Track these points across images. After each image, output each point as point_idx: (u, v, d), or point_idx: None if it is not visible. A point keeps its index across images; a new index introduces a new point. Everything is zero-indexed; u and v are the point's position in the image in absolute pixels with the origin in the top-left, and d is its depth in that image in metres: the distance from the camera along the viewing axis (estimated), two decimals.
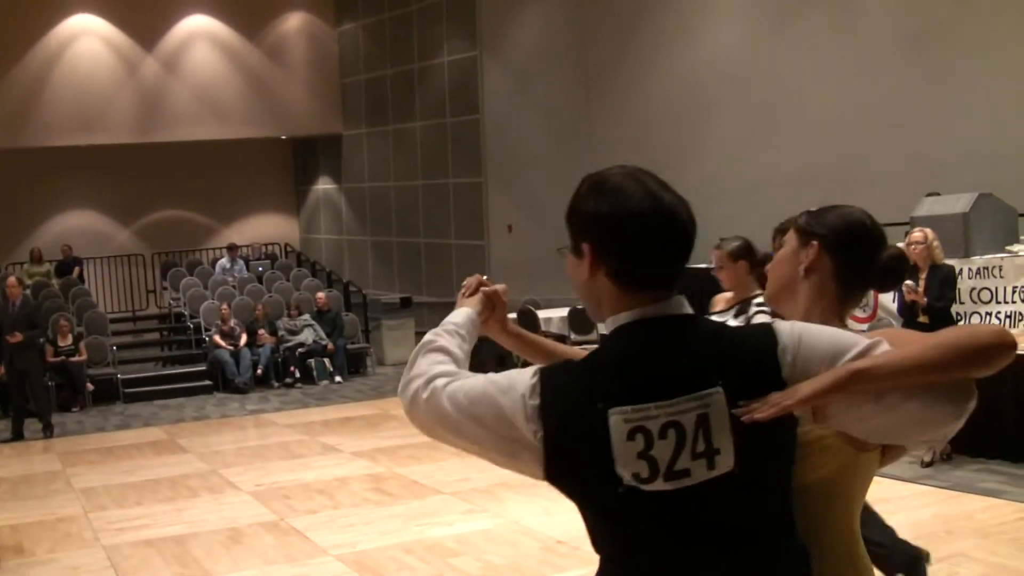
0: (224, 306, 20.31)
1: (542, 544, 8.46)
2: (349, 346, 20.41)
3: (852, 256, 2.62)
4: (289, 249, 27.26)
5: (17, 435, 15.76)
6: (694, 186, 17.00)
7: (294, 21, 26.62)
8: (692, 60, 18.41)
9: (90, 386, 18.68)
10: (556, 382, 2.29)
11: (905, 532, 6.36)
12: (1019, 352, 2.43)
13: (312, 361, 19.49)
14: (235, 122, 25.95)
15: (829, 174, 15.39)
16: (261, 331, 19.76)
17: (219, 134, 25.86)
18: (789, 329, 2.31)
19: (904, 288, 9.90)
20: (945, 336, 2.25)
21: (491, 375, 2.37)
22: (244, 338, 19.55)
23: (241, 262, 23.87)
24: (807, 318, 2.57)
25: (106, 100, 25.01)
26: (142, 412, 17.68)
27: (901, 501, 8.94)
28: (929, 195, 12.26)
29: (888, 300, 12.01)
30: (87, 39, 25.01)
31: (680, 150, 18.49)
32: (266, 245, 26.49)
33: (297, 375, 19.38)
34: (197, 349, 20.83)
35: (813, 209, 2.73)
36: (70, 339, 18.74)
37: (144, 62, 25.39)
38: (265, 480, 11.61)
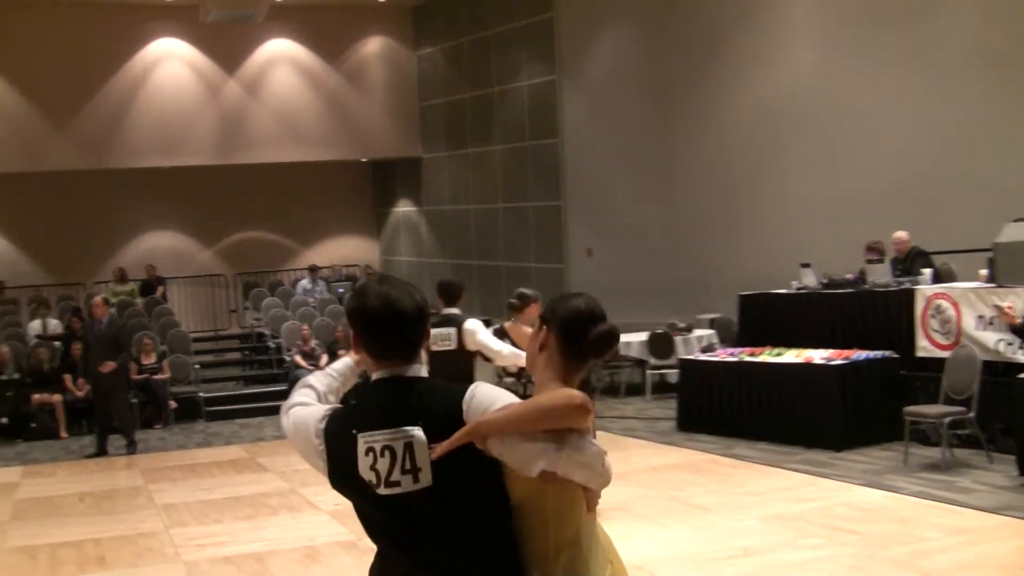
0: (305, 327, 20.49)
1: None
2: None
3: (569, 336, 3.46)
4: (370, 271, 27.45)
5: (101, 451, 16.02)
6: (772, 207, 17.02)
7: (373, 45, 26.86)
8: (769, 83, 18.33)
9: (173, 404, 18.94)
10: (335, 413, 3.34)
11: (987, 563, 6.30)
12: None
13: None
14: (315, 145, 26.22)
15: (905, 196, 15.25)
16: (341, 352, 19.74)
17: (299, 156, 26.14)
18: (471, 390, 3.21)
19: (994, 310, 9.91)
20: (538, 399, 3.22)
21: (316, 406, 3.46)
22: (325, 358, 19.69)
23: (322, 283, 24.07)
24: (541, 381, 3.45)
25: (189, 123, 25.39)
26: (223, 430, 17.87)
27: (984, 532, 8.85)
28: (1017, 220, 12.10)
29: (972, 327, 11.97)
30: (171, 63, 25.42)
31: (758, 172, 18.44)
32: (346, 266, 26.70)
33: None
34: (278, 369, 21.03)
35: (553, 298, 3.65)
36: (154, 357, 19.04)
37: (226, 85, 25.75)
38: (343, 500, 11.67)
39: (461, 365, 9.74)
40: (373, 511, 3.27)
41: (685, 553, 8.79)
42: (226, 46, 25.57)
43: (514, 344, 9.71)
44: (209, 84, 25.75)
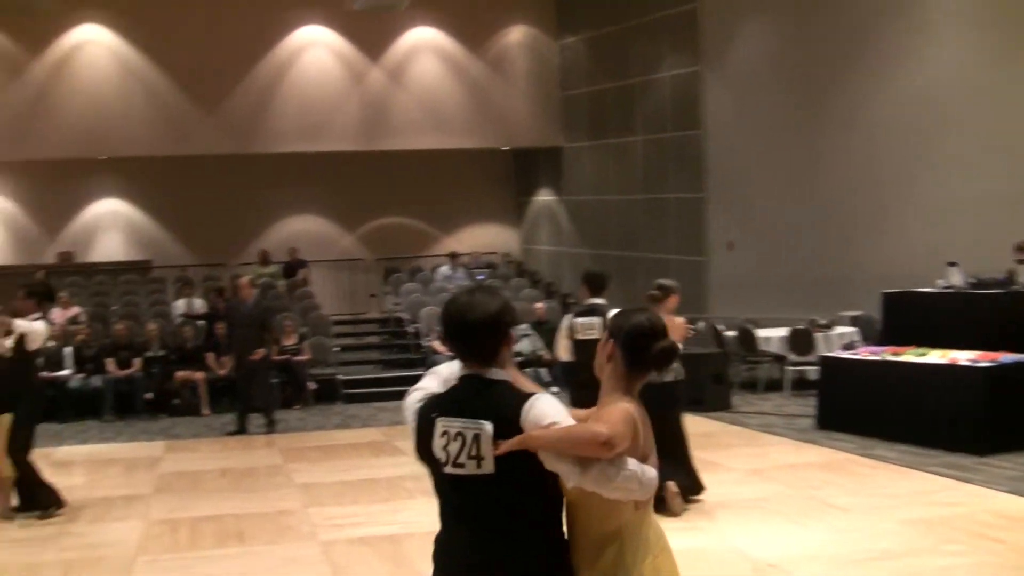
0: None
1: (753, 566, 8.37)
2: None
3: (633, 350, 4.00)
4: (509, 259, 27.54)
5: (242, 429, 16.31)
6: (918, 205, 16.68)
7: (516, 34, 26.90)
8: (916, 78, 17.97)
9: (312, 385, 19.21)
10: (430, 398, 3.94)
11: None
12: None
13: (528, 371, 19.58)
14: (457, 132, 26.36)
15: None
16: None
17: (441, 144, 26.29)
18: (532, 401, 3.68)
19: None
20: (571, 429, 3.62)
21: (423, 391, 4.04)
22: None
23: (462, 270, 24.20)
24: (607, 389, 4.03)
25: (333, 109, 25.72)
26: (361, 413, 18.07)
27: None
28: None
29: None
30: (316, 50, 25.77)
31: (904, 169, 18.12)
32: (486, 254, 26.81)
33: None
34: (416, 354, 21.20)
35: (617, 313, 4.21)
36: (294, 339, 19.34)
37: (370, 72, 26.01)
38: None
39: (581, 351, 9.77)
40: (441, 485, 3.86)
41: (821, 553, 8.67)
42: (371, 33, 25.84)
43: None
44: (353, 71, 26.04)
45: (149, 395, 18.39)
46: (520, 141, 27.40)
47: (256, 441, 15.75)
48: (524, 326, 20.30)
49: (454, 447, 3.72)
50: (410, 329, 22.10)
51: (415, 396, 4.03)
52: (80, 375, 18.50)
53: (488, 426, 3.66)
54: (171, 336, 19.89)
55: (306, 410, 18.63)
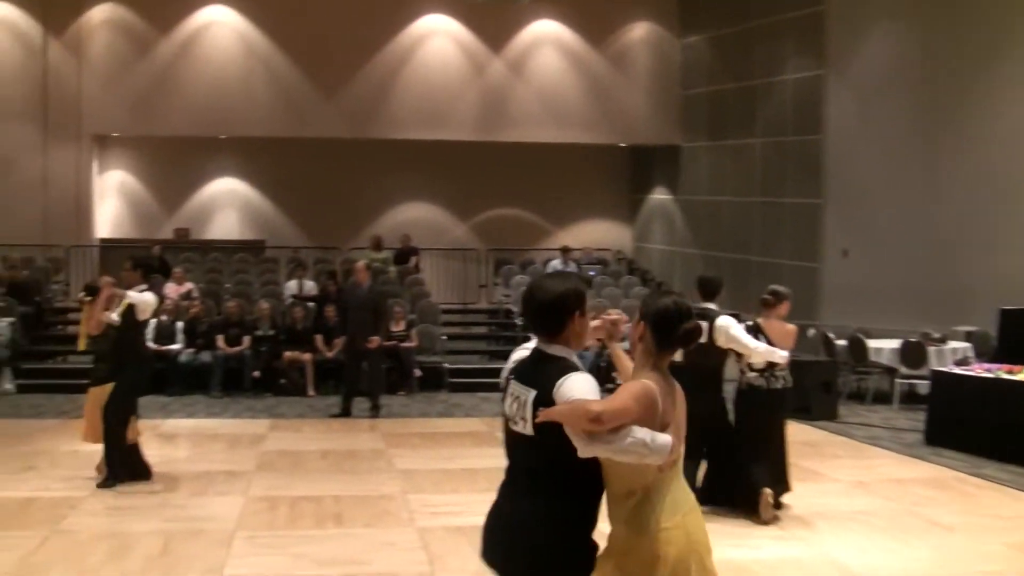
0: None
1: None
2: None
3: (660, 330, 4.51)
4: (621, 256, 27.42)
5: (346, 412, 16.42)
6: None
7: (639, 31, 26.76)
8: None
9: (418, 372, 19.27)
10: (518, 363, 4.79)
11: None
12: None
13: None
14: (575, 126, 26.30)
15: None
16: None
17: (559, 137, 26.25)
18: (564, 379, 4.30)
19: None
20: (573, 404, 4.17)
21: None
22: None
23: (573, 265, 24.10)
24: (639, 366, 4.59)
25: (452, 98, 25.82)
26: (465, 402, 18.10)
27: None
28: None
29: None
30: (439, 38, 25.87)
31: None
32: (598, 250, 26.71)
33: (619, 381, 19.35)
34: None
35: (646, 295, 4.97)
36: (403, 325, 19.40)
37: (491, 63, 26.06)
38: None
39: (710, 358, 9.70)
40: (507, 438, 4.68)
41: (921, 571, 8.50)
42: (493, 24, 25.88)
43: (768, 341, 9.86)
44: (474, 61, 26.11)
45: (256, 373, 18.57)
46: (638, 138, 27.26)
47: (359, 425, 15.84)
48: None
49: (514, 407, 4.48)
50: (518, 321, 22.05)
51: (508, 365, 5.15)
52: (190, 350, 18.76)
53: (532, 393, 4.37)
54: (281, 316, 20.08)
55: (411, 397, 18.70)
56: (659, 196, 28.07)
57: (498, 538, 4.58)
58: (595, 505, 4.45)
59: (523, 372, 4.52)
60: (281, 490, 11.12)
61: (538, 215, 28.21)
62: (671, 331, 4.49)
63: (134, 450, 11.42)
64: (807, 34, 22.06)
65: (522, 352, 4.98)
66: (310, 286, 21.56)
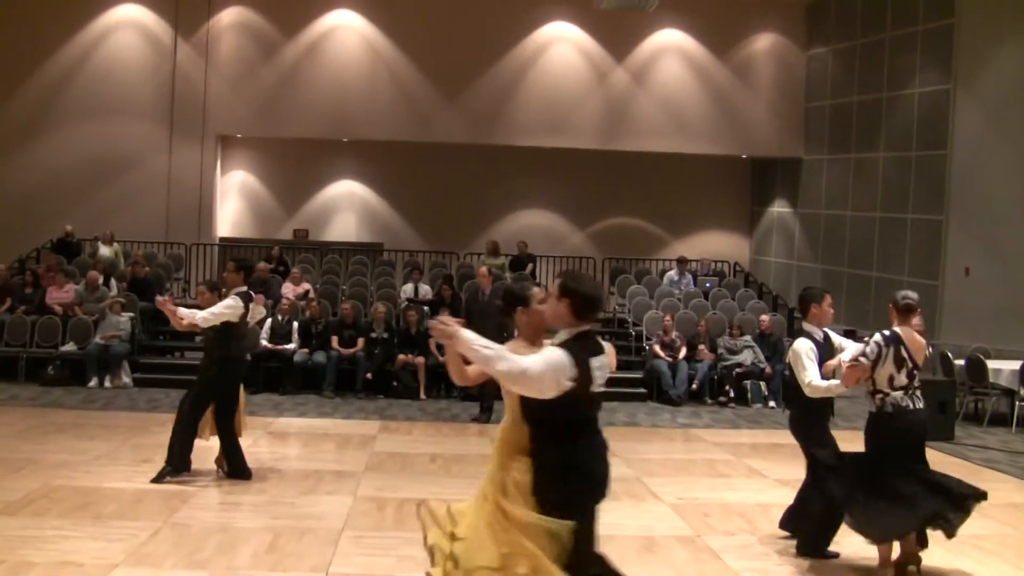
0: (667, 317, 20.42)
1: None
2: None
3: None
4: (738, 268, 27.16)
5: (487, 416, 16.49)
6: None
7: (764, 42, 26.55)
8: None
9: None
10: (571, 353, 5.74)
11: None
12: None
13: (748, 383, 19.27)
14: (696, 137, 26.16)
15: None
16: (701, 346, 19.73)
17: (679, 148, 26.13)
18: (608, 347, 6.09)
19: None
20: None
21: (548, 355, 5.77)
22: (683, 351, 19.58)
23: (689, 276, 23.91)
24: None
25: (574, 106, 25.85)
26: None
27: None
28: None
29: None
30: (562, 46, 25.93)
31: None
32: (715, 262, 26.49)
33: (731, 395, 19.21)
34: (636, 356, 21.02)
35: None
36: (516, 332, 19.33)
37: (614, 72, 26.06)
38: (687, 495, 11.58)
39: (792, 377, 9.37)
40: (596, 402, 5.97)
41: None
42: (617, 33, 25.86)
43: (909, 354, 8.72)
44: (597, 69, 26.10)
45: (369, 375, 18.66)
46: (759, 150, 27.03)
47: (469, 429, 15.84)
48: (746, 337, 19.97)
49: (599, 374, 5.84)
50: (632, 331, 21.94)
51: (556, 357, 5.68)
52: (304, 350, 18.93)
53: (605, 359, 5.97)
54: (396, 319, 20.19)
55: None
56: (779, 209, 27.78)
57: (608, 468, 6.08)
58: None
59: (595, 350, 5.90)
60: (389, 491, 11.16)
61: (656, 225, 28.09)
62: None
63: (237, 449, 11.55)
64: (936, 47, 21.69)
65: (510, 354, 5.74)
66: (426, 290, 21.63)
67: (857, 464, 8.73)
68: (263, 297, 12.22)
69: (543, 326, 6.20)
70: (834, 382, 8.81)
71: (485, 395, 16.49)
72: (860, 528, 8.43)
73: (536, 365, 5.56)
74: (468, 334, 5.59)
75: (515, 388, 5.68)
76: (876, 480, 8.46)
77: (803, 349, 9.05)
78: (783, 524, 9.71)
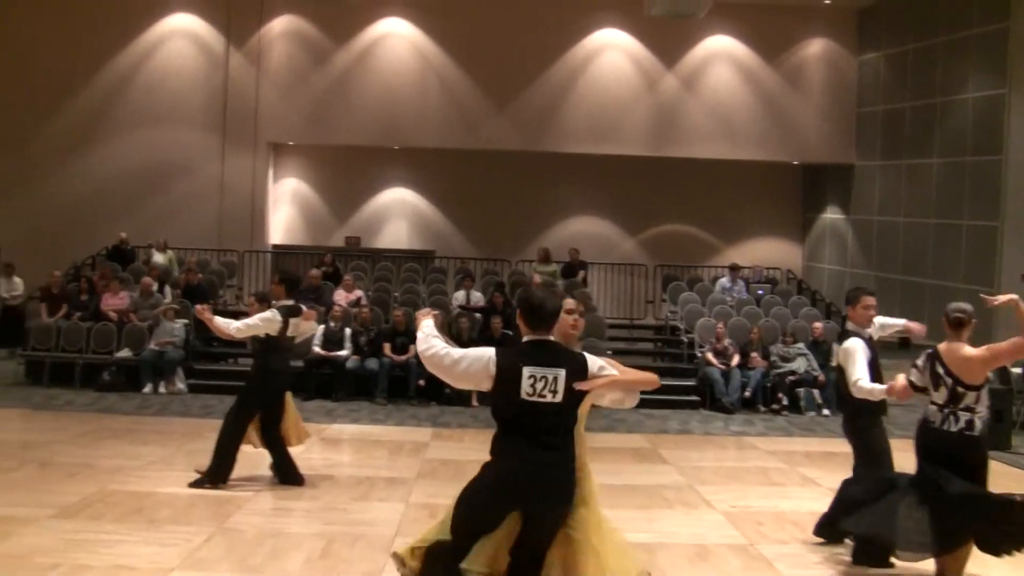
0: (720, 325, 20.34)
1: None
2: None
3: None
4: (790, 275, 27.01)
5: None
6: None
7: (815, 47, 26.43)
8: None
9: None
10: (501, 353, 6.04)
11: None
12: None
13: (801, 391, 19.15)
14: (747, 143, 26.08)
15: None
16: (754, 354, 19.64)
17: (730, 154, 26.06)
18: (594, 359, 6.10)
19: None
20: (637, 373, 6.28)
21: (477, 349, 6.20)
22: (736, 359, 19.50)
23: (741, 283, 23.80)
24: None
25: (624, 113, 25.85)
26: (628, 418, 17.95)
27: None
28: None
29: None
30: (612, 53, 25.96)
31: None
32: (767, 268, 26.36)
33: (784, 402, 19.10)
34: (688, 364, 20.96)
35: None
36: None
37: (664, 78, 26.05)
38: (740, 503, 11.53)
39: (841, 381, 9.32)
40: (518, 407, 5.96)
41: None
42: (667, 40, 25.83)
43: (947, 371, 8.44)
44: (647, 76, 26.07)
45: (421, 382, 18.68)
46: (811, 156, 26.89)
47: None
48: (800, 345, 19.86)
49: (539, 385, 5.91)
50: (684, 339, 21.86)
51: (480, 353, 6.12)
52: (357, 357, 18.98)
53: (563, 371, 5.94)
54: (448, 326, 20.19)
55: None
56: (831, 215, 27.62)
57: (547, 481, 5.99)
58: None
59: (537, 358, 5.98)
60: (442, 498, 11.11)
61: (707, 231, 28.00)
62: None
63: (286, 457, 11.61)
64: (990, 51, 21.50)
65: (439, 340, 6.30)
66: (477, 297, 21.65)
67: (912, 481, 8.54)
68: (314, 312, 12.26)
69: (568, 334, 6.47)
70: (879, 386, 8.73)
71: None
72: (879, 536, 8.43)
73: (457, 355, 6.09)
74: (424, 324, 6.48)
75: (431, 369, 6.26)
76: (921, 491, 8.25)
77: (855, 347, 9.09)
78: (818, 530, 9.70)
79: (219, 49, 25.73)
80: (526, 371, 5.93)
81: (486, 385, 6.05)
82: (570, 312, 6.46)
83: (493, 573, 6.01)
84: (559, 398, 5.92)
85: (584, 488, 6.25)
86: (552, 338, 6.12)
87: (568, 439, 6.07)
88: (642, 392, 6.35)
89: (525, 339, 6.13)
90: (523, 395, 5.93)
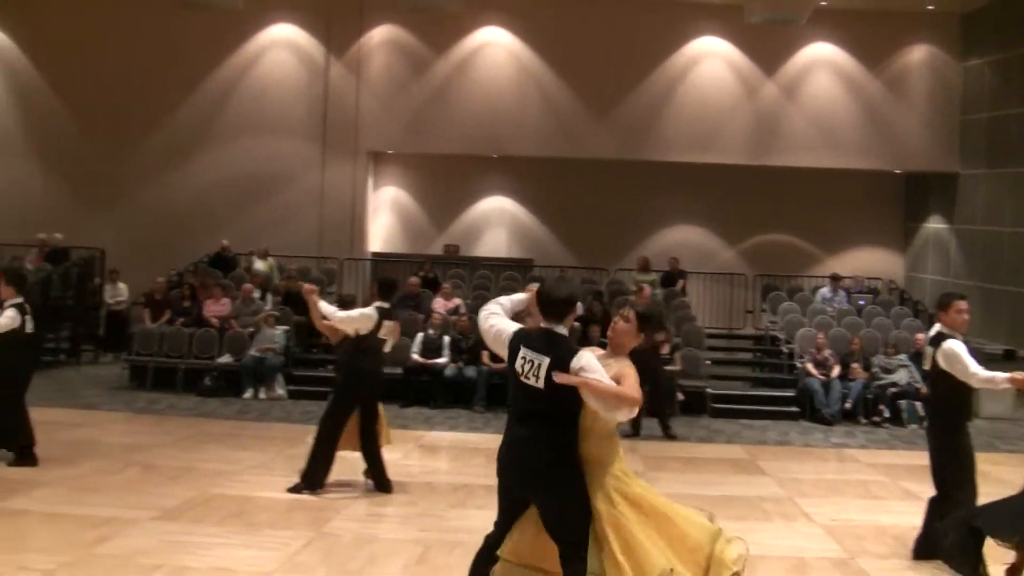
0: (820, 335, 20.13)
1: None
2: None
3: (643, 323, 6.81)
4: (892, 285, 26.65)
5: (635, 430, 16.68)
6: None
7: (918, 54, 26.04)
8: None
9: (680, 396, 19.07)
10: (518, 332, 6.64)
11: None
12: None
13: (903, 402, 18.86)
14: (848, 152, 25.77)
15: None
16: (855, 365, 19.40)
17: (831, 163, 25.76)
18: (581, 355, 6.32)
19: None
20: (611, 386, 6.21)
21: (509, 324, 6.79)
22: (837, 370, 19.28)
23: (842, 293, 23.55)
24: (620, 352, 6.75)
25: (724, 121, 25.67)
26: (726, 429, 17.85)
27: None
28: None
29: None
30: (712, 61, 25.80)
31: None
32: (868, 279, 26.02)
33: (886, 414, 18.82)
34: (788, 374, 20.78)
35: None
36: (667, 348, 19.25)
37: (764, 86, 25.82)
38: (840, 516, 11.39)
39: (937, 387, 9.22)
40: (514, 386, 6.57)
41: None
42: (767, 47, 25.63)
43: None
44: (747, 84, 25.88)
45: None
46: (913, 165, 26.49)
47: (621, 445, 15.74)
48: (902, 356, 19.59)
49: (527, 367, 6.41)
50: (784, 349, 21.68)
51: (506, 326, 6.74)
52: (455, 364, 19.05)
53: (547, 360, 6.34)
54: None
55: (672, 420, 18.52)
56: (934, 225, 27.20)
57: (518, 456, 6.50)
58: (576, 432, 6.46)
59: (535, 343, 6.46)
60: None
61: (807, 241, 27.70)
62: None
63: (377, 462, 11.68)
64: None
65: (496, 307, 6.98)
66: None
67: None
68: (399, 325, 12.34)
69: (619, 341, 6.78)
70: (1000, 375, 8.75)
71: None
72: (990, 529, 8.30)
73: (494, 321, 6.82)
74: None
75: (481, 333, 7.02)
76: None
77: (958, 347, 9.08)
78: (917, 552, 9.56)
79: (319, 59, 26.01)
80: (520, 352, 6.46)
81: (504, 355, 6.65)
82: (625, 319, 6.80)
83: (522, 562, 6.66)
84: (540, 384, 6.34)
85: (595, 484, 6.46)
86: (560, 329, 6.51)
87: (547, 425, 6.42)
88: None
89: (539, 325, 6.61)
90: (518, 374, 6.48)
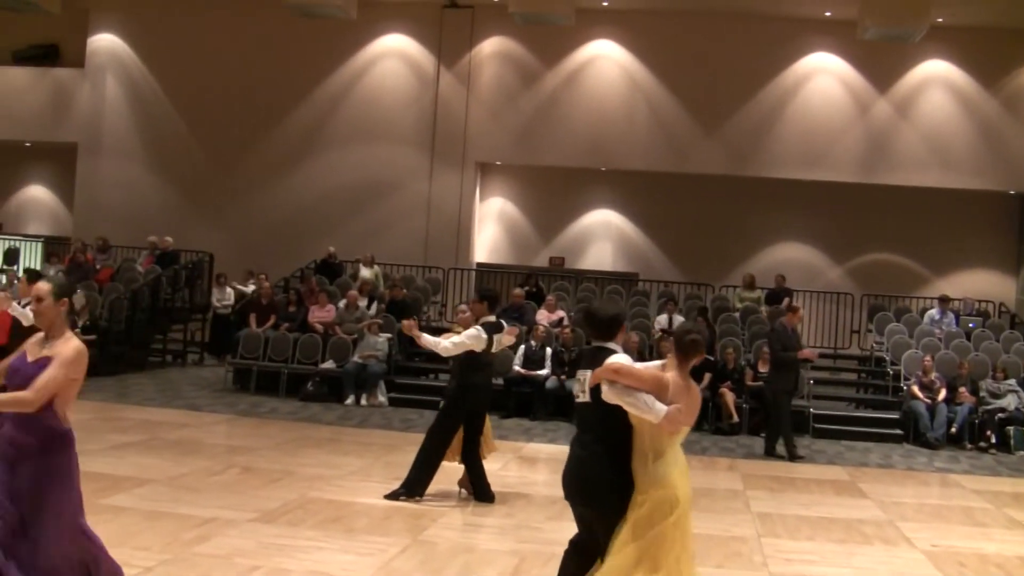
0: (927, 357, 19.83)
1: None
2: None
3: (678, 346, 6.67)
4: (1003, 309, 26.16)
5: (769, 451, 16.68)
6: None
7: None
8: None
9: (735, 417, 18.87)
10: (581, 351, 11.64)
11: None
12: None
13: (1011, 428, 18.51)
14: (961, 171, 25.38)
15: None
16: (962, 389, 19.08)
17: (943, 182, 25.40)
18: (616, 356, 6.55)
19: None
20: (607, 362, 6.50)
21: None
22: (943, 393, 18.97)
23: (951, 315, 23.17)
24: (670, 366, 6.64)
25: (834, 138, 25.46)
26: (827, 449, 17.65)
27: None
28: None
29: None
30: (823, 77, 25.60)
31: None
32: (979, 301, 25.57)
33: (993, 440, 18.46)
34: (893, 396, 20.50)
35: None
36: (768, 366, 19.07)
37: (876, 103, 25.56)
38: (942, 542, 11.19)
39: None
40: (575, 406, 6.92)
41: None
42: (880, 64, 25.35)
43: None
44: (859, 101, 25.62)
45: None
46: None
47: (718, 463, 15.69)
48: (1011, 381, 19.23)
49: (578, 387, 6.67)
50: (890, 370, 21.39)
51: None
52: (556, 376, 19.04)
53: (588, 372, 6.57)
54: (649, 349, 20.13)
55: (794, 440, 18.32)
56: None
57: (573, 474, 6.74)
58: (628, 449, 6.48)
59: (583, 360, 6.83)
60: None
61: (916, 261, 27.27)
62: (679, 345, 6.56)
63: (481, 474, 11.72)
64: None
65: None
66: (680, 321, 21.53)
67: None
68: (516, 329, 12.40)
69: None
70: None
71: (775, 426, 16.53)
72: None
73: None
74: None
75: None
76: None
77: None
78: None
79: (430, 69, 26.23)
80: (578, 374, 6.75)
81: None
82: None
83: None
84: (587, 397, 6.62)
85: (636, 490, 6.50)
86: (610, 345, 6.75)
87: (600, 442, 6.57)
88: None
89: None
90: (575, 395, 6.83)
